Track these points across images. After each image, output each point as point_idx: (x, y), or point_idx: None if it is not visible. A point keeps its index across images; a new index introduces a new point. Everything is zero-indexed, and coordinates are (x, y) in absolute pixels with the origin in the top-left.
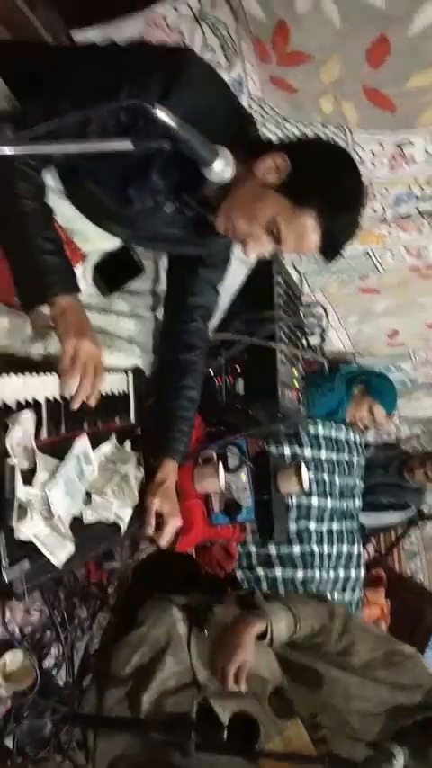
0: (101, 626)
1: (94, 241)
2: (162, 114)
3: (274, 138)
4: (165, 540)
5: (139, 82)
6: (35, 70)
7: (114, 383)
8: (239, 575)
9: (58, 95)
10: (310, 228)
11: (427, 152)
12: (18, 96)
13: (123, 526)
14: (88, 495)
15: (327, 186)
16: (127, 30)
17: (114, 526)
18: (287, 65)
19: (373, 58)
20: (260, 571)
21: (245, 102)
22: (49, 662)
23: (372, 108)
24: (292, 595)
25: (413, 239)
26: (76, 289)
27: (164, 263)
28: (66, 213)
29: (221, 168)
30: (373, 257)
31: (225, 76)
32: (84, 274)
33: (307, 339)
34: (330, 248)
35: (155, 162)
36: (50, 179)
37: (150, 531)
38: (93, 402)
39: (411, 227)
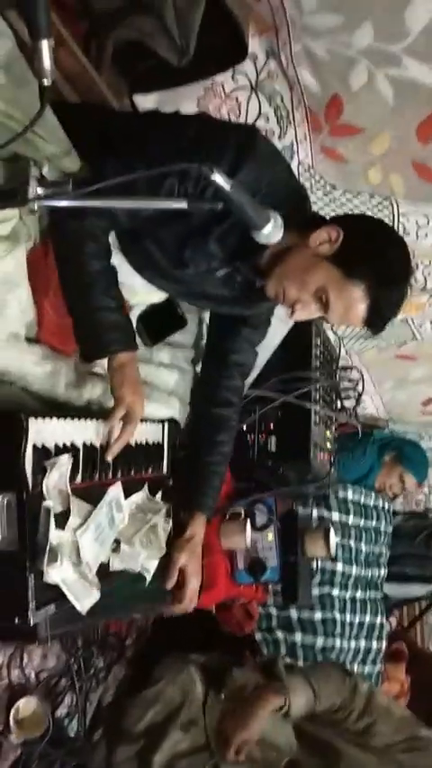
0: (116, 678)
1: (142, 294)
2: (218, 177)
3: (320, 206)
4: (188, 604)
5: (212, 154)
6: (105, 133)
7: (150, 433)
8: (258, 636)
9: (134, 161)
10: (358, 300)
11: None
12: (83, 157)
13: (148, 577)
14: (117, 542)
15: (377, 260)
16: (186, 95)
17: (139, 577)
18: (338, 136)
19: (423, 134)
20: (279, 634)
21: (294, 168)
22: (61, 711)
23: (419, 181)
24: (317, 667)
25: None
26: (135, 346)
27: (206, 318)
28: (118, 267)
29: (270, 231)
30: (412, 325)
31: (277, 144)
32: None
33: (341, 402)
34: (376, 321)
35: (214, 230)
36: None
37: (170, 585)
38: (112, 456)
39: None
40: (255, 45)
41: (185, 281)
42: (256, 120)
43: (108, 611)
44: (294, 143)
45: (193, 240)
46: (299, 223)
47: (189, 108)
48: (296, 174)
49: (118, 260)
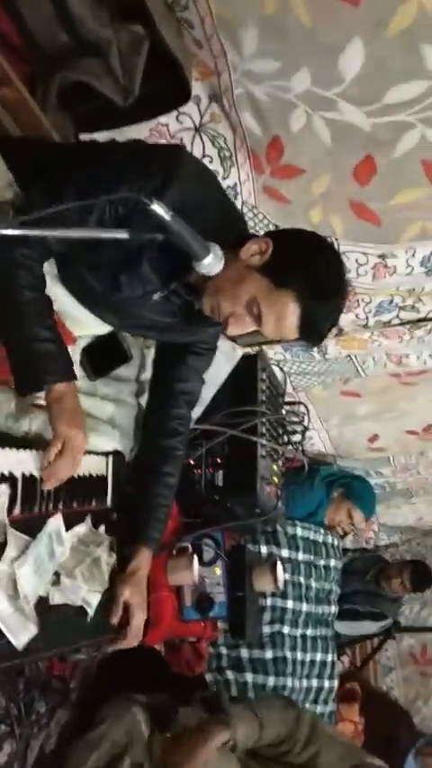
0: (59, 723)
1: (87, 326)
2: (158, 209)
3: None
4: (133, 639)
5: (138, 177)
6: (40, 162)
7: (93, 465)
8: (209, 677)
9: (62, 187)
10: (289, 310)
11: (408, 265)
12: (21, 187)
13: (90, 612)
14: (57, 575)
15: (306, 269)
16: (131, 135)
17: (81, 611)
18: (280, 177)
19: (361, 175)
20: (230, 675)
21: (238, 207)
22: (0, 759)
23: (358, 221)
24: (261, 698)
25: (394, 347)
26: (73, 376)
27: (151, 352)
28: (60, 297)
29: (210, 262)
30: (356, 361)
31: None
32: (73, 357)
33: (288, 436)
34: (310, 332)
35: (146, 253)
36: (48, 264)
37: (114, 620)
38: (50, 486)
39: (393, 334)
40: (198, 88)
41: (124, 308)
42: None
43: (48, 647)
44: (238, 183)
45: (127, 264)
46: (232, 241)
47: None
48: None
49: (59, 290)
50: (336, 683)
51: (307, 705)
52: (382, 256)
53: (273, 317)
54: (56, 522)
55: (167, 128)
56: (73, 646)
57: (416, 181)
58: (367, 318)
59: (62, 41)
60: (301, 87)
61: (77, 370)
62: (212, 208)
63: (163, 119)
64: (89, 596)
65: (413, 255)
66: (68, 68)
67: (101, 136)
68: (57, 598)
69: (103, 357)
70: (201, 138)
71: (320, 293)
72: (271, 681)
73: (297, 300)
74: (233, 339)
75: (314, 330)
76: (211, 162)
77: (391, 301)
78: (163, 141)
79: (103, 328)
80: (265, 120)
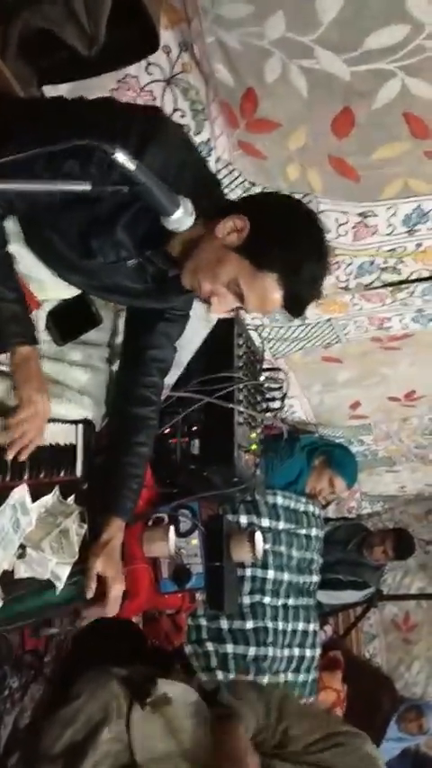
0: (33, 698)
1: (52, 289)
2: (121, 158)
3: None
4: (111, 609)
5: (115, 136)
6: (4, 118)
7: (62, 434)
8: (188, 649)
9: (31, 144)
10: (271, 289)
11: (390, 224)
12: None
13: (59, 585)
14: (23, 548)
15: (285, 247)
16: (97, 88)
17: (49, 584)
18: (255, 131)
19: (339, 128)
20: (210, 646)
21: (212, 165)
22: None
23: (336, 177)
24: (233, 684)
25: (376, 310)
26: (36, 341)
27: (123, 314)
28: (23, 259)
29: (180, 216)
30: (336, 326)
31: (194, 139)
32: (36, 321)
33: (267, 403)
34: (294, 306)
35: (121, 217)
36: (11, 224)
37: (90, 594)
38: (24, 456)
39: (374, 297)
40: (167, 37)
41: (95, 274)
42: (171, 115)
43: (15, 619)
44: (211, 138)
45: (99, 229)
46: (209, 211)
47: None
48: (214, 169)
49: (23, 251)
50: (318, 651)
51: (289, 674)
52: (363, 215)
53: (255, 297)
54: (20, 492)
55: (137, 79)
56: (42, 617)
57: (397, 134)
58: (348, 281)
59: None
60: (275, 33)
61: (43, 334)
62: (192, 174)
63: (131, 70)
64: (58, 569)
65: (394, 214)
66: (28, 13)
67: (66, 87)
68: (23, 571)
69: (71, 321)
70: (171, 90)
71: (303, 274)
72: (252, 651)
73: (279, 281)
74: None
75: (298, 306)
76: (183, 116)
77: (373, 262)
78: (132, 94)
79: (69, 292)
80: (238, 70)
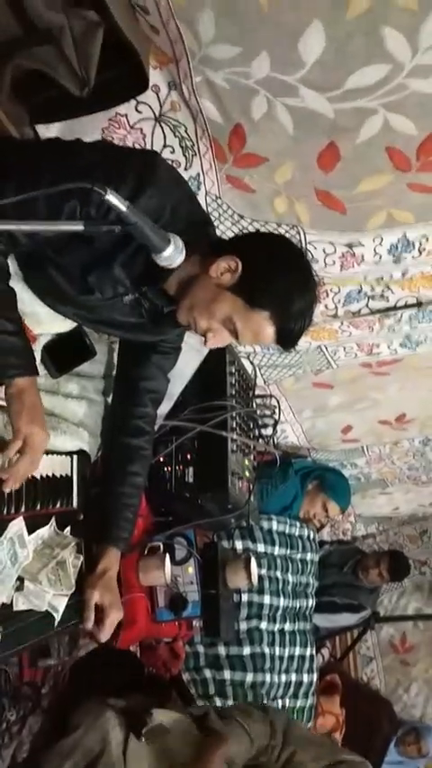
0: (31, 731)
1: (47, 323)
2: (113, 199)
3: (229, 235)
4: (105, 634)
5: (111, 179)
6: (3, 161)
7: (57, 466)
8: (186, 676)
9: (29, 187)
10: (264, 326)
11: (376, 253)
12: None
13: (57, 617)
14: (20, 580)
15: (276, 286)
16: (89, 126)
17: (47, 616)
18: (243, 166)
19: (325, 162)
20: (208, 673)
21: (202, 199)
22: None
23: (323, 209)
24: (236, 707)
25: (364, 336)
26: (35, 372)
27: (116, 347)
28: (19, 295)
29: (170, 253)
30: (326, 352)
31: (183, 174)
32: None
33: (259, 430)
34: (285, 340)
35: (118, 255)
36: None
37: (89, 625)
38: (10, 488)
39: (363, 324)
40: (156, 77)
41: (92, 309)
42: (161, 151)
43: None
44: (201, 173)
45: (98, 266)
46: (202, 249)
47: (93, 139)
48: (204, 203)
49: (20, 287)
50: (315, 676)
51: (287, 700)
52: (350, 245)
53: (249, 333)
54: (18, 525)
55: (126, 118)
56: (40, 638)
57: (380, 167)
58: (336, 308)
59: (12, 28)
60: (261, 73)
61: (39, 368)
62: (185, 214)
63: (121, 109)
64: (55, 601)
65: (380, 243)
66: (21, 56)
67: (58, 126)
68: (21, 604)
69: (65, 354)
70: (161, 127)
71: (293, 309)
72: (249, 677)
73: (271, 318)
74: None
75: (290, 340)
76: (172, 152)
77: (360, 290)
78: (122, 131)
79: (64, 326)
80: (225, 107)
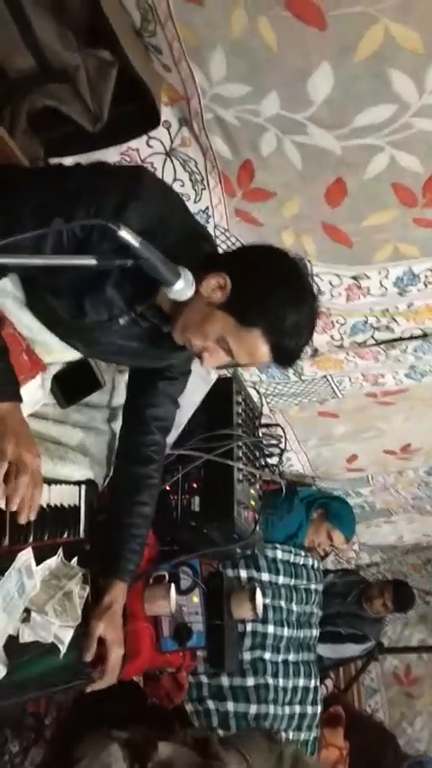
0: (33, 762)
1: (57, 352)
2: (126, 235)
3: None
4: (110, 678)
5: (96, 195)
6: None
7: (65, 495)
8: (189, 707)
9: (19, 206)
10: (257, 344)
11: (382, 285)
12: None
13: (63, 649)
14: (27, 612)
15: (266, 302)
16: (101, 160)
17: (53, 647)
18: (251, 200)
19: (332, 198)
20: (211, 704)
21: (210, 231)
22: None
23: (330, 242)
24: (243, 734)
25: (370, 367)
26: (18, 398)
27: (123, 377)
28: (29, 324)
29: (181, 288)
30: (332, 382)
31: (193, 207)
32: (43, 384)
33: (265, 459)
34: (281, 357)
35: (110, 275)
36: (15, 288)
37: (89, 657)
38: (32, 516)
39: (368, 355)
40: (168, 113)
41: (90, 333)
42: (172, 184)
43: (19, 688)
44: (210, 207)
45: (90, 288)
46: (195, 264)
47: None
48: (213, 236)
49: (28, 316)
50: (319, 708)
51: (290, 732)
52: (356, 278)
53: (243, 352)
54: (26, 555)
55: (138, 152)
56: (45, 690)
57: (387, 203)
58: (342, 339)
59: (28, 66)
60: (270, 111)
61: (48, 398)
62: (176, 228)
63: (133, 143)
64: (61, 632)
65: (386, 276)
66: (36, 93)
67: (70, 160)
68: (27, 636)
69: (74, 384)
70: (172, 162)
71: (285, 325)
72: (253, 709)
73: (264, 336)
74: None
75: (286, 357)
76: (182, 186)
77: (366, 322)
78: None
79: (74, 354)
80: (235, 143)
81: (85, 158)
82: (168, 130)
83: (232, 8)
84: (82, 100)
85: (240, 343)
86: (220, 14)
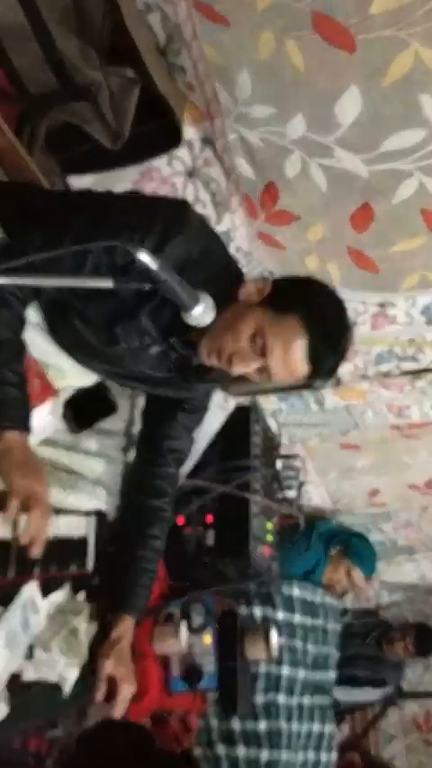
0: None
1: (71, 377)
2: (144, 257)
3: None
4: (119, 710)
5: (138, 229)
6: (32, 208)
7: (73, 526)
8: (197, 751)
9: (61, 233)
10: (296, 334)
11: (408, 314)
12: (8, 233)
13: (67, 689)
14: (31, 648)
15: (306, 294)
16: (120, 178)
17: (57, 688)
18: (275, 223)
19: (358, 223)
20: (221, 749)
21: (231, 253)
22: None
23: (356, 268)
24: None
25: (394, 398)
26: (27, 429)
27: (140, 403)
28: (42, 347)
29: (200, 313)
30: (354, 413)
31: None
32: (53, 410)
33: (283, 491)
34: (319, 357)
35: (145, 304)
36: (32, 313)
37: (100, 697)
38: (38, 550)
39: (393, 385)
40: (191, 132)
41: (119, 361)
42: (193, 205)
43: (20, 726)
44: (232, 229)
45: (124, 316)
46: (232, 292)
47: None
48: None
49: (43, 340)
50: (334, 755)
51: None
52: (382, 305)
53: (279, 344)
54: (30, 589)
55: (159, 171)
56: (50, 729)
57: (415, 229)
58: (366, 368)
59: (50, 83)
60: (296, 133)
61: (59, 423)
62: (213, 262)
63: (154, 162)
64: (66, 671)
65: (413, 305)
66: (56, 110)
67: (90, 178)
68: (30, 674)
69: (87, 410)
70: (194, 182)
71: (325, 318)
72: (265, 754)
73: (303, 324)
74: (225, 389)
75: (323, 360)
76: (204, 207)
77: (391, 351)
78: (153, 184)
79: (88, 379)
80: (259, 165)
81: (104, 176)
82: (191, 150)
83: (260, 30)
84: (103, 117)
85: (276, 334)
86: (247, 36)
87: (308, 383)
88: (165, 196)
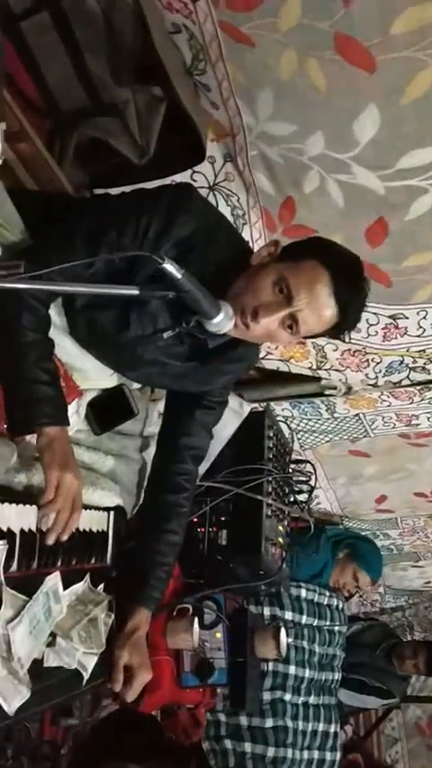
0: None
1: (94, 379)
2: (170, 268)
3: None
4: (132, 693)
5: (144, 212)
6: (52, 211)
7: (94, 521)
8: (205, 745)
9: (71, 229)
10: (318, 273)
11: (420, 326)
12: (33, 237)
13: (86, 675)
14: (52, 636)
15: (319, 245)
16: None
17: (76, 674)
18: (292, 236)
19: (373, 237)
20: (228, 744)
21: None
22: None
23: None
24: None
25: (404, 407)
26: (66, 422)
27: (159, 407)
28: (68, 350)
29: (220, 321)
30: (364, 421)
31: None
32: (78, 410)
33: (294, 495)
34: (345, 289)
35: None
36: (56, 316)
37: (117, 687)
38: (64, 537)
39: (403, 395)
40: (213, 149)
41: (134, 350)
42: None
43: (38, 709)
44: (250, 241)
45: (137, 300)
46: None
47: None
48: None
49: (67, 342)
50: (338, 755)
51: None
52: (393, 317)
53: (304, 285)
54: (54, 579)
55: None
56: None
57: (428, 244)
58: (377, 378)
59: (80, 99)
60: (315, 150)
61: (82, 424)
62: (223, 240)
63: (177, 177)
64: (85, 659)
65: (425, 317)
66: (85, 126)
67: (116, 192)
68: (51, 660)
69: (108, 412)
70: (215, 195)
71: (342, 260)
72: (270, 751)
73: (324, 265)
74: (240, 395)
75: (348, 300)
76: None
77: (402, 362)
78: None
79: (110, 381)
80: (278, 180)
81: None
82: (213, 165)
83: (282, 50)
84: (130, 133)
85: (298, 276)
86: (270, 56)
87: (335, 331)
88: (169, 183)
